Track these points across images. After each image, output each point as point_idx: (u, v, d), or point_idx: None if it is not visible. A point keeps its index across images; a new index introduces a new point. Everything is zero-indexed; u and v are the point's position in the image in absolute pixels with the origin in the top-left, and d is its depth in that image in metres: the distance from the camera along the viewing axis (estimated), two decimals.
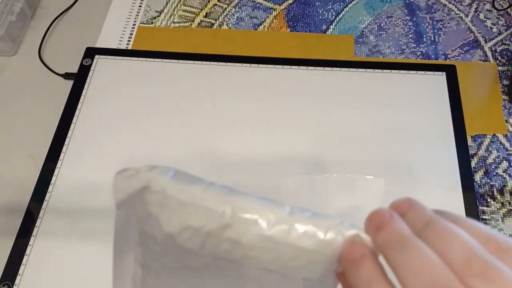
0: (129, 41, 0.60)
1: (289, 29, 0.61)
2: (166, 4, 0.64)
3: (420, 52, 0.58)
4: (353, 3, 0.62)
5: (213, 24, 0.61)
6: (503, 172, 0.50)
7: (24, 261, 0.45)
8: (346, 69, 0.55)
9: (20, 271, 0.44)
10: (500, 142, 0.51)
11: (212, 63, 0.57)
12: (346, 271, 0.20)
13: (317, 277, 0.21)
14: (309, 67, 0.56)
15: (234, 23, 0.61)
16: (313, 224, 0.20)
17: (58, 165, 0.50)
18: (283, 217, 0.20)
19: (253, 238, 0.20)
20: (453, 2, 0.62)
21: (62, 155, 0.51)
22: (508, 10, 0.61)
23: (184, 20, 0.62)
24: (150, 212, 0.21)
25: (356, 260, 0.20)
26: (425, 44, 0.58)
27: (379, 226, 0.20)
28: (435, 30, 0.59)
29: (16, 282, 0.44)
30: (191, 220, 0.20)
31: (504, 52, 0.57)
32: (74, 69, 0.57)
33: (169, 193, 0.21)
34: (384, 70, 0.55)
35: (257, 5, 0.63)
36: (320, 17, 0.61)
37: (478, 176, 0.49)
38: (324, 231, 0.20)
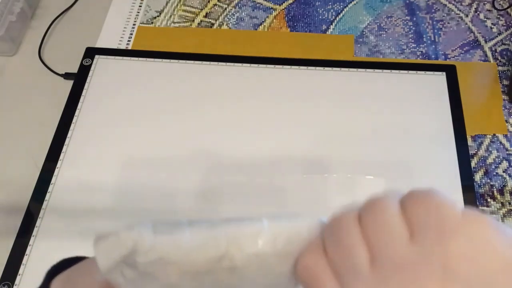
0: (129, 41, 0.60)
1: (289, 29, 0.61)
2: (166, 4, 0.64)
3: (420, 52, 0.58)
4: (353, 3, 0.62)
5: (213, 24, 0.61)
6: (503, 172, 0.50)
7: (24, 261, 0.45)
8: (346, 69, 0.55)
9: (20, 271, 0.44)
10: (500, 142, 0.51)
11: (212, 63, 0.57)
12: (331, 237, 0.19)
13: None
14: (309, 67, 0.56)
15: (234, 23, 0.61)
16: (294, 228, 0.21)
17: (58, 165, 0.50)
18: (265, 230, 0.21)
19: (246, 258, 0.21)
20: (453, 2, 0.62)
21: (62, 155, 0.51)
22: (508, 10, 0.61)
23: (184, 20, 0.62)
24: (145, 272, 0.21)
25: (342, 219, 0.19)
26: (425, 44, 0.58)
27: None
28: (435, 30, 0.59)
29: (16, 282, 0.44)
30: (188, 265, 0.21)
31: (504, 52, 0.57)
32: (74, 69, 0.57)
33: (158, 248, 0.21)
34: (384, 70, 0.55)
35: (257, 5, 0.63)
36: (320, 17, 0.61)
37: (478, 176, 0.49)
38: (306, 231, 0.21)
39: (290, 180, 0.48)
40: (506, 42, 0.58)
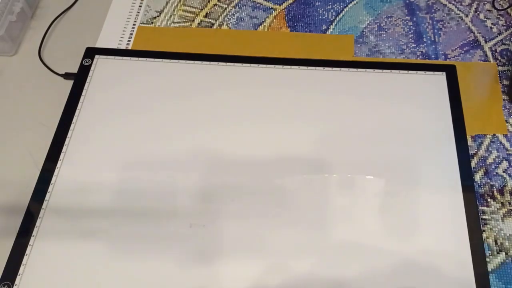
0: (129, 41, 0.60)
1: (289, 29, 0.61)
2: (166, 4, 0.64)
3: (420, 52, 0.58)
4: (353, 3, 0.62)
5: (213, 24, 0.61)
6: (503, 172, 0.50)
7: (24, 261, 0.45)
8: (346, 69, 0.55)
9: (20, 271, 0.44)
10: (500, 142, 0.51)
11: (212, 63, 0.57)
12: None
13: None
14: (309, 67, 0.56)
15: (234, 23, 0.61)
16: None
17: (58, 165, 0.50)
18: None
19: None
20: (453, 2, 0.62)
21: (62, 155, 0.51)
22: (508, 10, 0.61)
23: (184, 20, 0.62)
24: None
25: None
26: (425, 44, 0.58)
27: None
28: (435, 30, 0.59)
29: (16, 282, 0.44)
30: None
31: (504, 52, 0.57)
32: (74, 69, 0.57)
33: None
34: (384, 70, 0.55)
35: (257, 5, 0.63)
36: (320, 17, 0.61)
37: (478, 176, 0.49)
38: None
39: (290, 180, 0.48)
40: (506, 42, 0.58)
